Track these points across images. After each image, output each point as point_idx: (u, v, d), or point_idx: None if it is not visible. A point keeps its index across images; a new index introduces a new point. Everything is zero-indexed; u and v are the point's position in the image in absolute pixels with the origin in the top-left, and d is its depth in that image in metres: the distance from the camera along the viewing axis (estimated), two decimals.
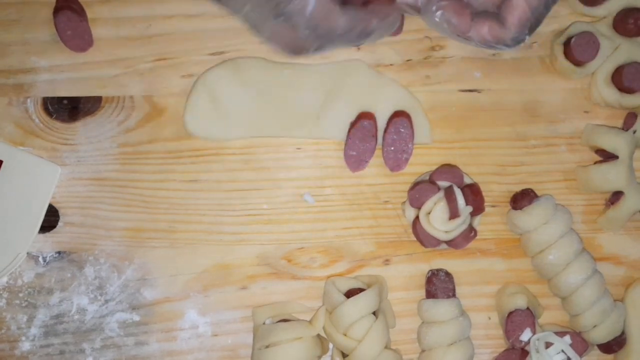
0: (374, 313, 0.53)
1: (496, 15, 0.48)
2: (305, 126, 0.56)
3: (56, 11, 0.54)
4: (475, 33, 0.48)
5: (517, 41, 0.48)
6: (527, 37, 0.48)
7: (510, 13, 0.47)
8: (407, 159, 0.56)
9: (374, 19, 0.47)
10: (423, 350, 0.55)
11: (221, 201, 0.56)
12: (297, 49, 0.47)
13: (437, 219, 0.54)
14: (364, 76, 0.56)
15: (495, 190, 0.57)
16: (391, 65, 0.57)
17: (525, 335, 0.54)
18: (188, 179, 0.56)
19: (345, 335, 0.52)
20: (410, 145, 0.55)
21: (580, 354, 0.54)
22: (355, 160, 0.55)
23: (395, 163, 0.56)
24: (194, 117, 0.55)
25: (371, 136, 0.55)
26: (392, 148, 0.55)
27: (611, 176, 0.55)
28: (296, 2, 0.43)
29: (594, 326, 0.54)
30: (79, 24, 0.54)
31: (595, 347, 0.56)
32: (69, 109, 0.56)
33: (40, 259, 0.55)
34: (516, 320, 0.54)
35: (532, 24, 0.47)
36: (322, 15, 0.45)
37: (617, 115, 0.58)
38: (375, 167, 0.56)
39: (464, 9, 0.48)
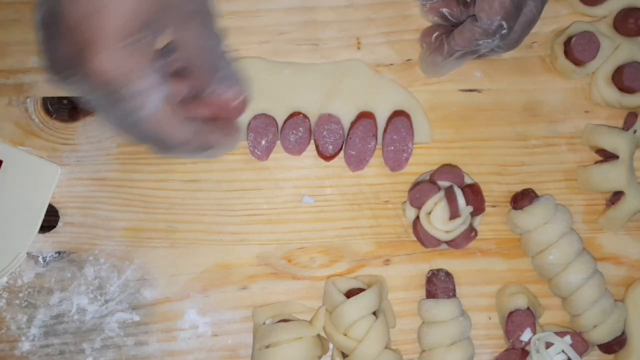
0: (374, 313, 0.53)
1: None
2: None
3: None
4: (458, 34, 0.50)
5: (495, 32, 0.49)
6: (504, 25, 0.48)
7: (479, 3, 0.48)
8: (407, 159, 0.56)
9: (215, 134, 0.46)
10: (423, 351, 0.55)
11: (221, 201, 0.56)
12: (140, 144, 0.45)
13: (438, 219, 0.54)
14: (364, 76, 0.56)
15: (495, 190, 0.57)
16: (391, 65, 0.57)
17: (526, 335, 0.54)
18: (188, 179, 0.56)
19: (345, 335, 0.52)
20: (410, 145, 0.55)
21: (581, 354, 0.54)
22: (355, 160, 0.55)
23: (396, 163, 0.56)
24: None
25: (371, 136, 0.55)
26: (392, 148, 0.55)
27: (611, 176, 0.55)
28: (131, 105, 0.42)
29: (595, 326, 0.54)
30: None
31: (596, 347, 0.56)
32: (69, 108, 0.56)
33: (40, 259, 0.55)
34: (516, 320, 0.54)
35: (507, 11, 0.48)
36: (156, 125, 0.44)
37: (617, 115, 0.58)
38: (375, 167, 0.56)
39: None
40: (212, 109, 0.47)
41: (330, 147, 0.55)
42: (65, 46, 0.42)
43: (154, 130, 0.44)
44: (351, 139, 0.55)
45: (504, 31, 0.49)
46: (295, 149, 0.55)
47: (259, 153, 0.55)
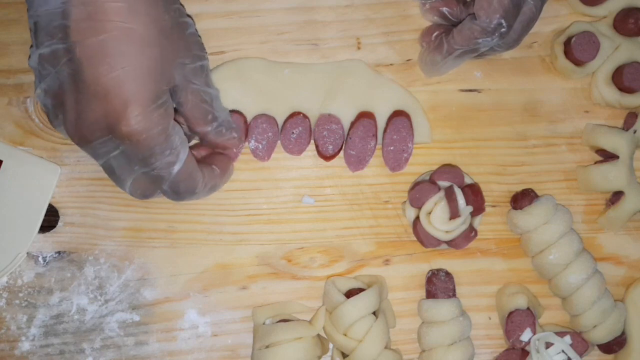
0: (374, 313, 0.53)
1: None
2: None
3: None
4: (457, 33, 0.50)
5: (494, 30, 0.48)
6: (503, 24, 0.48)
7: (478, 2, 0.49)
8: (407, 159, 0.56)
9: (221, 175, 0.52)
10: (423, 351, 0.55)
11: (221, 201, 0.56)
12: (150, 196, 0.50)
13: (438, 219, 0.54)
14: (364, 76, 0.56)
15: (495, 190, 0.57)
16: (391, 65, 0.57)
17: (526, 336, 0.54)
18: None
19: (345, 335, 0.52)
20: (410, 145, 0.55)
21: (581, 354, 0.54)
22: (355, 160, 0.55)
23: (396, 163, 0.56)
24: None
25: (371, 136, 0.55)
26: (392, 148, 0.55)
27: (611, 176, 0.55)
28: (164, 161, 0.45)
29: (595, 326, 0.54)
30: None
31: (596, 347, 0.56)
32: None
33: (40, 259, 0.55)
34: (516, 320, 0.54)
35: (506, 9, 0.48)
36: (186, 175, 0.47)
37: (617, 115, 0.58)
38: (376, 167, 0.56)
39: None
40: (209, 150, 0.53)
41: (330, 147, 0.55)
42: (94, 111, 0.43)
43: (180, 182, 0.47)
44: (351, 139, 0.55)
45: (503, 29, 0.48)
46: (296, 149, 0.55)
47: (260, 153, 0.55)
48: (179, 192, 0.48)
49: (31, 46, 0.46)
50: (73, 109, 0.44)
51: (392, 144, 0.55)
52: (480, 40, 0.49)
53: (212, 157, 0.53)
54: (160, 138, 0.44)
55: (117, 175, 0.48)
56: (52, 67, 0.44)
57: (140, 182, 0.48)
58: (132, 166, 0.46)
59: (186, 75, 0.48)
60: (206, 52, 0.51)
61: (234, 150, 0.54)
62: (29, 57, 0.46)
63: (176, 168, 0.46)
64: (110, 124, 0.43)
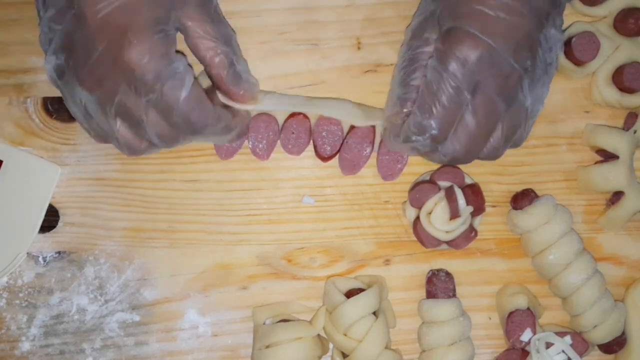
0: (374, 313, 0.53)
1: None
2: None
3: None
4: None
5: (424, 129, 0.47)
6: (433, 125, 0.46)
7: (419, 97, 0.47)
8: (400, 169, 0.55)
9: (236, 118, 0.52)
10: (423, 351, 0.55)
11: (221, 201, 0.56)
12: (168, 139, 0.48)
13: (438, 219, 0.54)
14: (351, 115, 0.55)
15: (495, 190, 0.57)
16: (391, 65, 0.57)
17: (526, 336, 0.54)
18: (188, 179, 0.56)
19: (345, 335, 0.52)
20: (405, 156, 0.55)
21: (581, 354, 0.54)
22: (349, 164, 0.55)
23: (389, 172, 0.55)
24: None
25: (368, 142, 0.55)
26: (387, 157, 0.55)
27: (612, 176, 0.55)
28: (169, 85, 0.45)
29: (595, 326, 0.54)
30: None
31: (596, 348, 0.56)
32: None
33: (40, 259, 0.55)
34: (516, 321, 0.54)
35: (440, 113, 0.46)
36: (195, 103, 0.47)
37: (617, 115, 0.58)
38: (376, 167, 0.56)
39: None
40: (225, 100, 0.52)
41: (328, 148, 0.55)
42: (99, 45, 0.45)
43: (190, 110, 0.47)
44: (348, 143, 0.55)
45: (433, 131, 0.47)
46: (295, 149, 0.55)
47: (260, 152, 0.55)
48: (190, 122, 0.47)
49: (39, 24, 0.48)
50: (82, 50, 0.46)
51: (388, 153, 0.55)
52: (413, 138, 0.48)
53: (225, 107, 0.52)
54: (162, 62, 0.45)
55: (132, 115, 0.47)
56: (58, 25, 0.46)
57: (154, 122, 0.47)
58: (142, 100, 0.46)
59: (193, 9, 0.48)
60: None
61: (247, 96, 0.52)
62: (39, 35, 0.48)
63: (183, 93, 0.46)
64: (114, 55, 0.45)
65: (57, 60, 0.47)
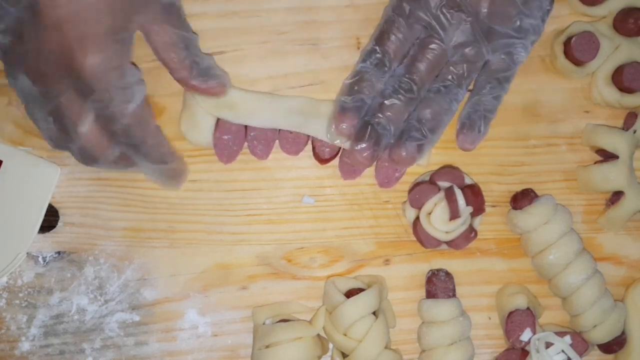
0: (374, 313, 0.53)
1: None
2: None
3: None
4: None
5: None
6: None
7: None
8: (398, 178, 0.55)
9: (175, 155, 0.53)
10: (423, 351, 0.55)
11: (221, 201, 0.56)
12: (99, 153, 0.49)
13: (438, 219, 0.54)
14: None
15: (495, 190, 0.57)
16: None
17: (526, 335, 0.54)
18: (188, 178, 0.56)
19: (345, 335, 0.52)
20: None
21: (581, 354, 0.54)
22: (349, 169, 0.55)
23: (386, 179, 0.55)
24: (189, 127, 0.54)
25: None
26: (386, 164, 0.55)
27: (612, 176, 0.55)
28: (118, 98, 0.45)
29: (594, 326, 0.54)
30: None
31: (596, 347, 0.56)
32: None
33: (40, 259, 0.55)
34: (516, 320, 0.54)
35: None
36: (140, 119, 0.47)
37: (617, 115, 0.58)
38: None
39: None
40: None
41: (327, 149, 0.55)
42: (51, 44, 0.44)
43: (133, 124, 0.47)
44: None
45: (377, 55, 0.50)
46: (293, 149, 0.55)
47: (258, 152, 0.55)
48: (129, 135, 0.47)
49: None
50: (31, 43, 0.44)
51: (387, 160, 0.54)
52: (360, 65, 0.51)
53: None
54: (114, 74, 0.44)
55: (69, 118, 0.46)
56: (12, 6, 0.44)
57: (92, 131, 0.47)
58: (86, 106, 0.45)
59: (155, 14, 0.48)
60: None
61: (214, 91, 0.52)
62: None
63: (130, 107, 0.46)
64: (65, 57, 0.43)
65: (2, 40, 0.46)
